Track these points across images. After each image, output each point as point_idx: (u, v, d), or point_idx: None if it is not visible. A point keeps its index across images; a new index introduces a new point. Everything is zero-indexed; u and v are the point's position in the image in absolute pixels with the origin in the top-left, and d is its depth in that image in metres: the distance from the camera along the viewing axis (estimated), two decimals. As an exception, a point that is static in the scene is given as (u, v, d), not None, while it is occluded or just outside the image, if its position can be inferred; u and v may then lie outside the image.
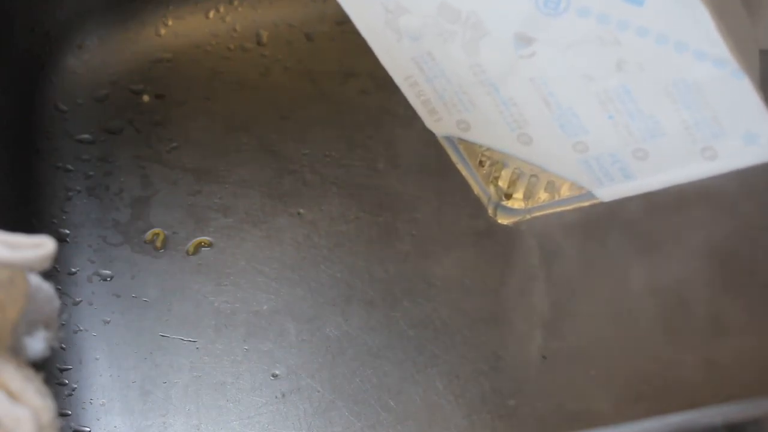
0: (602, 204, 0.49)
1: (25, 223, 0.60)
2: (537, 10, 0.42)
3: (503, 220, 0.50)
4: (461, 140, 0.48)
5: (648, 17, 0.40)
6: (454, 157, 0.49)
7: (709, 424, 0.40)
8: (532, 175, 0.48)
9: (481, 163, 0.49)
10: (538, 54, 0.43)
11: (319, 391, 0.56)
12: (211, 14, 0.67)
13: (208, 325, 0.58)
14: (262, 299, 0.59)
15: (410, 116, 0.64)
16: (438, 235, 0.60)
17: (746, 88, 0.41)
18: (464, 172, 0.50)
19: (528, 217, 0.50)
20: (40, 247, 0.37)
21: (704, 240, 0.59)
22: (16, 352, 0.38)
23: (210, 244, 0.60)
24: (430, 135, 0.63)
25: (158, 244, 0.60)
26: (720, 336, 0.56)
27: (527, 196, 0.49)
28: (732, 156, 0.43)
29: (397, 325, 0.57)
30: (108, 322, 0.58)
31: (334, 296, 0.58)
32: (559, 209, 0.49)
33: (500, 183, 0.49)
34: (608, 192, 0.47)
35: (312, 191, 0.62)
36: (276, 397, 0.56)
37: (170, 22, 0.67)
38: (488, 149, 0.48)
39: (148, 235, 0.61)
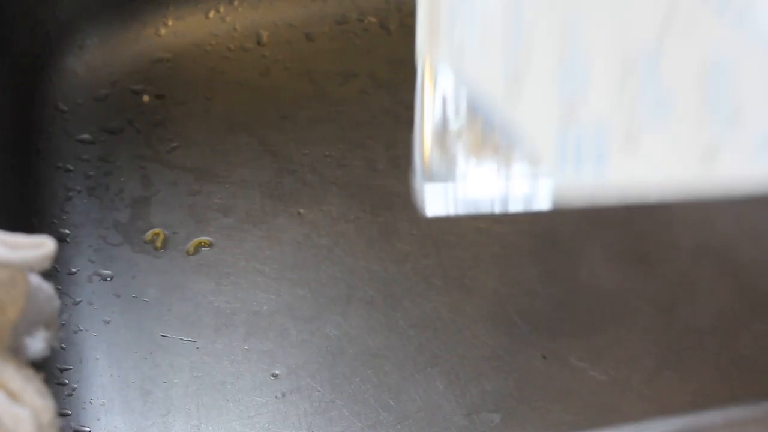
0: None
1: (25, 223, 0.60)
2: None
3: (428, 202, 0.42)
4: (438, 77, 0.41)
5: None
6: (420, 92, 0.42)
7: (709, 424, 0.40)
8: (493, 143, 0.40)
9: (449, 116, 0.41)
10: None
11: (319, 391, 0.56)
12: (211, 14, 0.67)
13: (208, 325, 0.58)
14: (262, 299, 0.59)
15: (410, 116, 0.64)
16: (438, 235, 0.60)
17: None
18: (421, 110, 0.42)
19: (452, 206, 0.42)
20: (40, 247, 0.37)
21: (702, 239, 0.59)
22: (16, 352, 0.38)
23: (210, 244, 0.60)
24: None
25: (158, 244, 0.60)
26: (719, 338, 0.56)
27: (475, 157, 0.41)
28: (736, 160, 0.38)
29: (397, 325, 0.57)
30: (108, 322, 0.58)
31: (334, 296, 0.58)
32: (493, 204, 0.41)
33: (452, 133, 0.41)
34: (567, 181, 0.39)
35: (312, 191, 0.62)
36: (276, 397, 0.56)
37: (170, 22, 0.67)
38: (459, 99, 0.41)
39: (148, 235, 0.61)
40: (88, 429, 0.55)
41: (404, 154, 0.63)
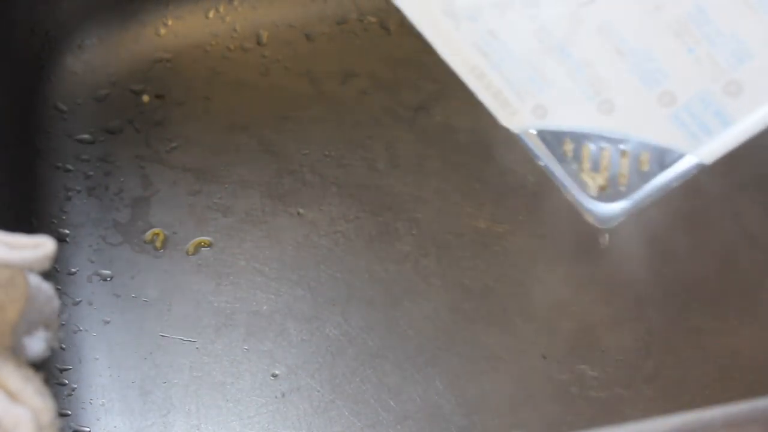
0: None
1: (25, 223, 0.60)
2: None
3: (606, 222, 0.45)
4: (541, 134, 0.44)
5: None
6: (543, 158, 0.44)
7: (709, 424, 0.40)
8: (621, 153, 0.43)
9: (564, 154, 0.44)
10: None
11: (319, 391, 0.56)
12: (211, 14, 0.67)
13: (208, 325, 0.58)
14: (262, 299, 0.58)
15: (410, 116, 0.64)
16: (438, 235, 0.60)
17: None
18: (557, 173, 0.45)
19: (636, 210, 0.44)
20: (40, 247, 0.37)
21: (702, 241, 0.59)
22: (15, 352, 0.38)
23: (210, 244, 0.60)
24: (430, 135, 0.63)
25: (158, 244, 0.60)
26: (719, 337, 0.56)
27: (616, 181, 0.44)
28: None
29: (397, 325, 0.57)
30: (108, 322, 0.58)
31: (334, 296, 0.58)
32: (660, 188, 0.43)
33: (584, 166, 0.44)
34: (709, 150, 0.41)
35: (312, 191, 0.62)
36: (276, 397, 0.56)
37: (170, 22, 0.67)
38: (569, 139, 0.43)
39: (148, 235, 0.61)
40: (87, 429, 0.55)
41: (404, 154, 0.63)
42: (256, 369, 0.57)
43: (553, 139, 0.44)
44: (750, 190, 0.59)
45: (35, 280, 0.39)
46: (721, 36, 0.39)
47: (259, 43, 0.67)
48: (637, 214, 0.44)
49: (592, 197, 0.44)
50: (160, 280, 0.59)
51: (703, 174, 0.44)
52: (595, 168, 0.44)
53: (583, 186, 0.44)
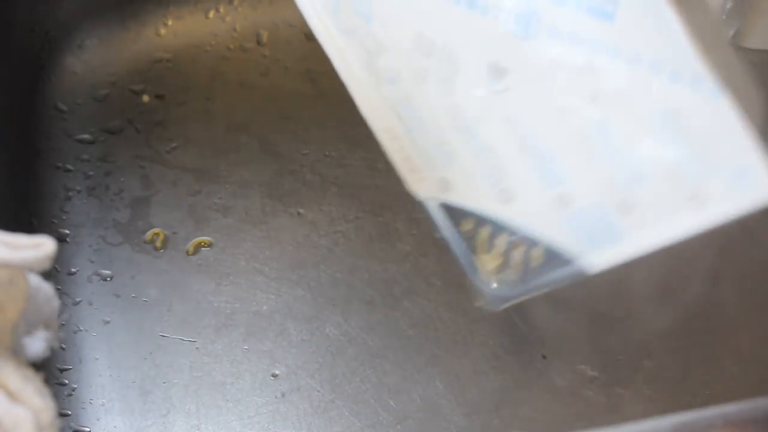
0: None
1: (25, 223, 0.60)
2: (507, 32, 0.39)
3: (490, 305, 0.46)
4: (445, 207, 0.45)
5: (619, 35, 0.37)
6: (442, 229, 0.46)
7: (709, 424, 0.40)
8: (514, 244, 0.44)
9: (463, 231, 0.45)
10: (513, 88, 0.40)
11: (319, 391, 0.56)
12: (211, 14, 0.67)
13: (208, 325, 0.58)
14: (262, 299, 0.58)
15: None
16: (438, 234, 0.60)
17: (726, 112, 0.37)
18: (455, 247, 0.45)
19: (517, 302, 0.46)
20: (40, 247, 0.37)
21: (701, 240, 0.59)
22: (15, 352, 0.38)
23: (210, 244, 0.60)
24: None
25: (158, 244, 0.60)
26: (718, 337, 0.56)
27: (506, 269, 0.45)
28: (721, 202, 0.39)
29: (397, 325, 0.57)
30: (108, 322, 0.58)
31: (334, 296, 0.58)
32: (546, 285, 0.45)
33: (480, 248, 0.45)
34: (596, 260, 0.42)
35: (312, 191, 0.62)
36: (276, 397, 0.56)
37: (170, 22, 0.67)
38: (469, 218, 0.44)
39: (148, 235, 0.61)
40: (87, 429, 0.55)
41: (404, 154, 0.62)
42: (256, 369, 0.57)
43: (455, 213, 0.44)
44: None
45: (35, 280, 0.39)
46: (620, 154, 0.39)
47: (259, 43, 0.67)
48: (519, 302, 0.46)
49: (482, 279, 0.45)
50: (160, 280, 0.59)
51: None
52: (489, 252, 0.45)
53: (475, 266, 0.45)
